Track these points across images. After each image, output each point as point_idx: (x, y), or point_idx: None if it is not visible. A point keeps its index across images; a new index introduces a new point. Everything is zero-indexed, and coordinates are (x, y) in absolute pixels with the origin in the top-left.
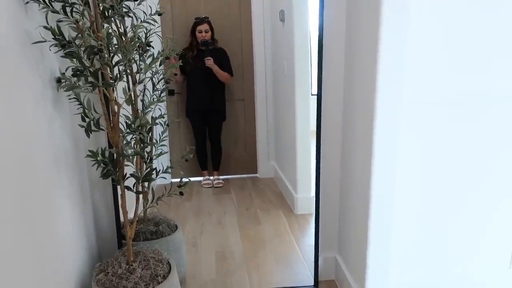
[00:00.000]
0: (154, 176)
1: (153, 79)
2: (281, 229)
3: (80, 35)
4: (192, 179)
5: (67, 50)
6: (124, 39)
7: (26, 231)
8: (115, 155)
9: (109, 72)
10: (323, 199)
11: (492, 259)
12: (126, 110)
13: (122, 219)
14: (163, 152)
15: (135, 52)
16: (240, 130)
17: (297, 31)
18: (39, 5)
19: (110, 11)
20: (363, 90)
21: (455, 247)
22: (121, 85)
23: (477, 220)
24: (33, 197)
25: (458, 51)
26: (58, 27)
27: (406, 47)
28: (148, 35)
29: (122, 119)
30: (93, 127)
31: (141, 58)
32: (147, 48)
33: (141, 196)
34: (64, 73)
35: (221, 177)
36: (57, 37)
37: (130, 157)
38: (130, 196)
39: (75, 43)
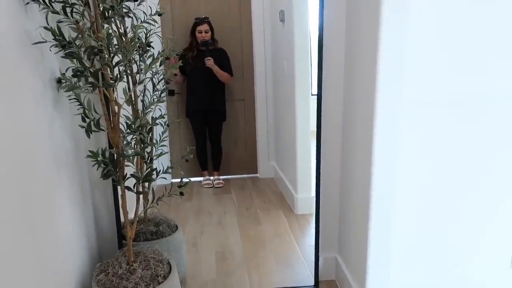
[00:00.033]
0: (154, 176)
1: (153, 79)
2: (281, 229)
3: (80, 35)
4: (193, 179)
5: (67, 51)
6: (124, 39)
7: (27, 231)
8: (115, 155)
9: (109, 72)
10: (323, 199)
11: (492, 259)
12: (126, 111)
13: (122, 219)
14: (163, 152)
15: (135, 52)
16: (240, 130)
17: (297, 31)
18: (39, 6)
19: (110, 11)
20: (363, 90)
21: (455, 247)
22: (121, 86)
23: (477, 220)
24: (34, 197)
25: (458, 51)
26: (58, 28)
27: (406, 47)
28: (148, 36)
29: (122, 120)
30: (93, 128)
31: (141, 59)
32: (147, 48)
33: (141, 196)
34: (64, 74)
35: (221, 177)
36: (57, 37)
37: (131, 157)
38: (130, 197)
39: (75, 44)
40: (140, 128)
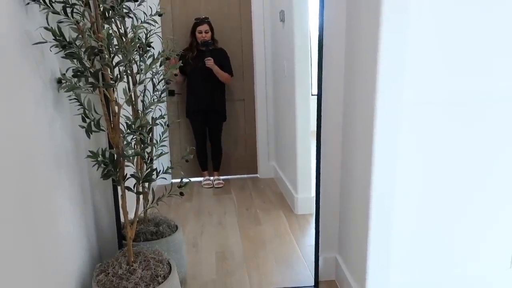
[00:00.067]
0: (154, 176)
1: (154, 79)
2: (281, 229)
3: (80, 36)
4: (193, 179)
5: (68, 51)
6: (124, 39)
7: (27, 232)
8: (115, 155)
9: (109, 72)
10: (323, 199)
11: (492, 259)
12: (126, 111)
13: (122, 219)
14: (163, 152)
15: (135, 52)
16: (240, 130)
17: (297, 31)
18: (39, 6)
19: (110, 12)
20: (363, 90)
21: (455, 247)
22: (121, 86)
23: (477, 220)
24: (34, 197)
25: (458, 51)
26: (59, 28)
27: (407, 47)
28: (148, 36)
29: (122, 120)
30: (93, 128)
31: (142, 59)
32: (148, 48)
33: (141, 196)
34: (64, 74)
35: (221, 177)
36: (57, 38)
37: (131, 157)
38: (130, 197)
39: (76, 44)
40: (140, 128)
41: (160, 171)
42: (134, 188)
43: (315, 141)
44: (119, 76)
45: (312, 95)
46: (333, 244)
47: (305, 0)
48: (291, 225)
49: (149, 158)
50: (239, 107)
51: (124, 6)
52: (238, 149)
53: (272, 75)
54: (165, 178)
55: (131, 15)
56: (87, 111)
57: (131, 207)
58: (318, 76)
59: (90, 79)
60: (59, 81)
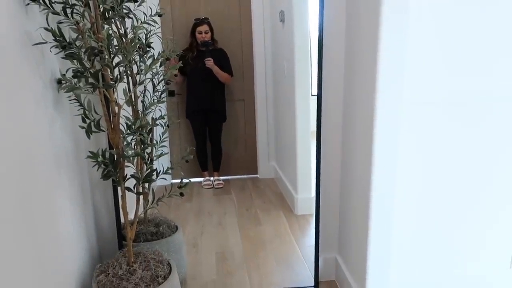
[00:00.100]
0: (154, 177)
1: (154, 80)
2: (281, 229)
3: (80, 36)
4: (193, 180)
5: (68, 52)
6: (124, 40)
7: (27, 232)
8: (115, 156)
9: (109, 73)
10: (323, 200)
11: (492, 259)
12: (126, 111)
13: (122, 220)
14: (163, 153)
15: (135, 53)
16: (240, 130)
17: (297, 32)
18: (39, 7)
19: (110, 12)
20: (363, 90)
21: (455, 247)
22: (121, 86)
23: (477, 220)
24: (34, 197)
25: (458, 51)
26: (59, 29)
27: (406, 47)
28: (148, 36)
29: (122, 120)
30: (93, 128)
31: (142, 59)
32: (148, 49)
33: (141, 197)
34: (64, 74)
35: (221, 177)
36: (57, 38)
37: (131, 158)
38: (130, 197)
39: (76, 45)
40: (140, 129)
41: (160, 171)
42: (134, 188)
43: (315, 141)
44: (119, 76)
45: (312, 95)
46: (333, 245)
47: (305, 0)
48: (291, 226)
49: (149, 159)
50: (239, 108)
51: (124, 6)
52: (238, 150)
53: (272, 75)
54: (165, 179)
55: (131, 15)
56: (87, 112)
57: (131, 207)
58: (318, 76)
59: (90, 80)
60: (59, 82)
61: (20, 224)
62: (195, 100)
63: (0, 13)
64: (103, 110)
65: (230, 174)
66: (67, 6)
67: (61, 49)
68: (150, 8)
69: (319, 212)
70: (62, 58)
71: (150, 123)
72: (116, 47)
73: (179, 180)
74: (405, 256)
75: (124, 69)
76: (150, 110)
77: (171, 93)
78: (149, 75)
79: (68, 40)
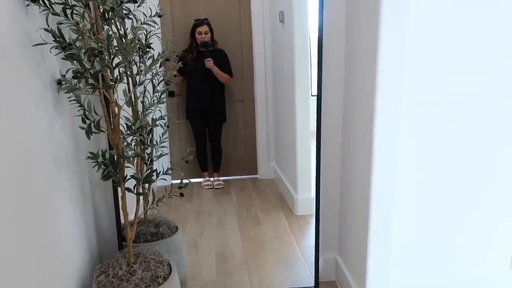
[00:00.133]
0: (154, 177)
1: (153, 80)
2: (281, 230)
3: (80, 37)
4: (193, 180)
5: (68, 52)
6: (124, 41)
7: (27, 232)
8: (115, 156)
9: (109, 74)
10: (323, 200)
11: (492, 259)
12: (126, 112)
13: (122, 220)
14: (163, 153)
15: (135, 54)
16: (240, 131)
17: (297, 32)
18: (39, 7)
19: (110, 13)
20: (363, 90)
21: (455, 247)
22: (121, 87)
23: (477, 220)
24: (34, 198)
25: (457, 51)
26: (59, 29)
27: (406, 47)
28: (148, 37)
29: (122, 121)
30: (93, 129)
31: (141, 60)
32: (147, 49)
33: (141, 197)
34: (64, 75)
35: (221, 178)
36: (57, 39)
37: (131, 158)
38: (130, 198)
39: (76, 45)
40: (140, 130)
41: (160, 172)
42: (134, 189)
43: (315, 142)
44: (119, 77)
45: (312, 95)
46: (333, 245)
47: (305, 1)
48: (291, 226)
49: (149, 159)
50: (239, 108)
51: (123, 7)
52: (238, 150)
53: (272, 76)
54: (165, 179)
55: (131, 16)
56: (87, 112)
57: (131, 208)
58: (317, 77)
59: (90, 80)
60: (59, 82)
61: (21, 225)
62: (195, 101)
63: (0, 14)
64: (103, 111)
65: (230, 174)
66: (67, 7)
67: (61, 50)
68: (150, 9)
69: (319, 213)
70: (62, 59)
71: (150, 124)
72: (116, 48)
73: (179, 181)
74: (405, 256)
75: (124, 69)
76: (150, 110)
77: (171, 94)
78: (149, 76)
79: (68, 41)
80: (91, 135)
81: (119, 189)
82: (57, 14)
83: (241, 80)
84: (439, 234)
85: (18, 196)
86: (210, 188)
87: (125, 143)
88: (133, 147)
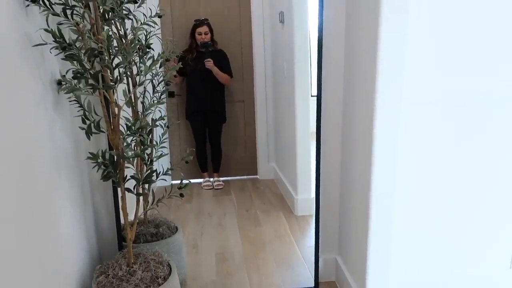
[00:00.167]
0: (154, 178)
1: (153, 81)
2: (281, 230)
3: (80, 37)
4: (192, 180)
5: (68, 53)
6: (124, 41)
7: (27, 233)
8: (115, 157)
9: (109, 74)
10: (323, 200)
11: (492, 259)
12: (126, 112)
13: (122, 221)
14: (163, 154)
15: (135, 54)
16: (240, 131)
17: (297, 32)
18: (39, 8)
19: (110, 13)
20: (363, 91)
21: (455, 247)
22: (121, 87)
23: (477, 220)
24: (34, 199)
25: (457, 51)
26: (59, 30)
27: (406, 47)
28: (148, 37)
29: (122, 121)
30: (93, 129)
31: (141, 60)
32: (147, 50)
33: (141, 198)
34: (64, 76)
35: (221, 178)
36: (57, 39)
37: (131, 159)
38: (130, 198)
39: (76, 46)
40: (140, 130)
41: (160, 172)
42: (134, 189)
43: (315, 142)
44: (119, 77)
45: (311, 96)
46: (333, 245)
47: (305, 1)
48: (291, 226)
49: (149, 160)
50: (239, 109)
51: (123, 7)
52: (238, 151)
53: (272, 76)
54: (165, 180)
55: (131, 16)
56: (87, 113)
57: (131, 208)
58: (317, 77)
59: (90, 81)
60: (59, 83)
61: (21, 225)
62: (195, 101)
63: (0, 15)
64: (103, 111)
65: (230, 175)
66: (67, 7)
67: (61, 50)
68: (150, 9)
69: (319, 213)
70: (62, 59)
71: (150, 124)
72: (116, 48)
73: (179, 181)
74: (405, 257)
75: (124, 70)
76: (150, 111)
77: (171, 94)
78: (149, 76)
79: (68, 41)
80: (91, 135)
81: (119, 189)
82: (57, 15)
83: (241, 80)
84: (439, 234)
85: (18, 196)
86: (210, 189)
87: (125, 144)
88: (133, 148)
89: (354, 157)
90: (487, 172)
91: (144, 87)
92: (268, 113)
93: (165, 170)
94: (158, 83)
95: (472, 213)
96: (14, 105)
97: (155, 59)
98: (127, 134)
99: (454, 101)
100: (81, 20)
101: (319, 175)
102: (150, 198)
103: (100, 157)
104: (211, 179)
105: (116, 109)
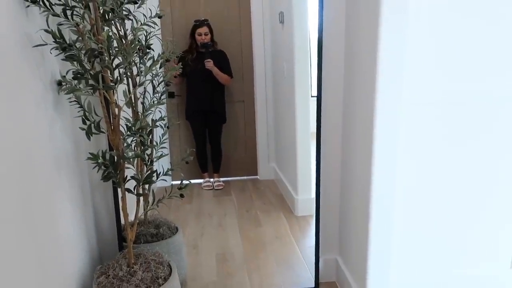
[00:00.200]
0: (154, 178)
1: (153, 81)
2: (281, 230)
3: (80, 38)
4: (193, 181)
5: (68, 53)
6: (124, 42)
7: (27, 233)
8: (115, 157)
9: (109, 74)
10: (323, 201)
11: (492, 259)
12: (126, 113)
13: (122, 221)
14: (163, 154)
15: (135, 54)
16: (240, 132)
17: (297, 33)
18: (40, 9)
19: (110, 14)
20: (363, 91)
21: (455, 248)
22: (121, 88)
23: (477, 220)
24: (34, 199)
25: (457, 51)
26: (59, 30)
27: (406, 48)
28: (148, 38)
29: (122, 122)
30: (93, 130)
31: (141, 61)
32: (147, 50)
33: (141, 198)
34: (64, 76)
35: (221, 179)
36: (57, 40)
37: (131, 159)
38: (130, 199)
39: (76, 46)
40: (140, 130)
41: (160, 173)
42: (134, 190)
43: (315, 142)
44: (119, 78)
45: (311, 96)
46: (333, 246)
47: (305, 1)
48: (291, 227)
49: (149, 160)
50: (239, 109)
51: (124, 8)
52: (238, 151)
53: (272, 77)
54: (165, 180)
55: (131, 17)
56: (87, 113)
57: (131, 209)
58: (317, 77)
59: (90, 81)
60: (59, 83)
61: (21, 226)
62: (195, 102)
63: (0, 15)
64: (103, 112)
65: (230, 175)
66: (67, 8)
67: (61, 51)
68: (150, 10)
69: (319, 213)
70: (62, 59)
71: (150, 125)
72: (116, 49)
73: (179, 182)
74: (406, 257)
75: (124, 70)
76: (150, 111)
77: (171, 95)
78: (149, 77)
79: (68, 42)
80: (91, 136)
81: (119, 190)
82: (57, 15)
83: (241, 81)
84: (439, 234)
85: (18, 196)
86: (210, 189)
87: (125, 144)
88: (133, 148)
89: (354, 157)
90: (487, 172)
91: (144, 87)
92: (268, 113)
93: (165, 171)
94: (158, 84)
95: (472, 213)
96: (14, 106)
97: (155, 59)
98: (127, 135)
99: (454, 101)
100: (81, 20)
101: (319, 175)
102: (150, 199)
103: (101, 158)
104: (211, 180)
105: (116, 110)
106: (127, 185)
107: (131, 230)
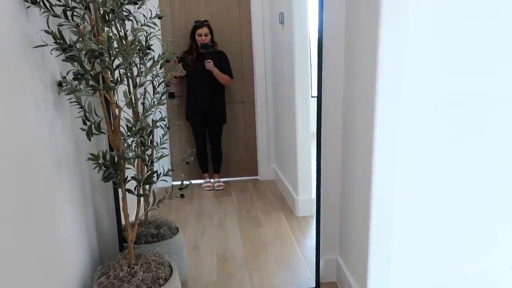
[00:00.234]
0: (155, 179)
1: (154, 82)
2: (282, 231)
3: (81, 39)
4: (193, 181)
5: (68, 54)
6: (124, 42)
7: (28, 234)
8: (116, 158)
9: (109, 75)
10: (324, 201)
11: (492, 259)
12: (126, 113)
13: (123, 222)
14: (164, 155)
15: (135, 55)
16: (240, 132)
17: (297, 33)
18: (40, 9)
19: (110, 14)
20: (363, 92)
21: (456, 248)
22: (121, 88)
23: (478, 220)
24: (35, 200)
25: (457, 51)
26: (59, 31)
27: (406, 48)
28: (148, 39)
29: (123, 122)
30: (94, 130)
31: (142, 61)
32: (148, 51)
33: (142, 199)
34: (65, 77)
35: (221, 179)
36: (58, 41)
37: (131, 160)
38: (131, 199)
39: (76, 47)
40: (140, 131)
41: (160, 173)
42: (135, 190)
43: (315, 143)
44: (119, 78)
45: (312, 96)
46: (334, 246)
47: (305, 2)
48: (292, 227)
49: (150, 161)
50: (239, 109)
51: (124, 9)
52: (238, 151)
53: (272, 77)
54: (166, 181)
55: (131, 18)
56: (87, 114)
57: (132, 209)
58: (317, 78)
59: (91, 82)
60: (59, 84)
61: (21, 226)
62: (195, 102)
63: (1, 16)
64: (103, 112)
65: (231, 176)
66: (67, 9)
67: (61, 52)
68: (150, 11)
69: (320, 214)
70: (63, 60)
71: (151, 125)
72: (116, 50)
73: (179, 182)
74: (406, 257)
75: (124, 71)
76: (150, 112)
77: (171, 95)
78: (149, 77)
79: (68, 43)
80: (92, 136)
81: (119, 190)
82: (58, 16)
83: (241, 81)
84: (440, 234)
85: (19, 197)
86: (210, 190)
87: (125, 145)
88: (133, 149)
89: (355, 157)
90: (487, 172)
91: (145, 88)
92: (268, 114)
93: (165, 171)
94: (159, 84)
95: (472, 213)
96: (14, 106)
97: (155, 60)
98: (128, 135)
99: (454, 102)
100: (82, 21)
101: (320, 175)
102: (151, 199)
103: (101, 158)
104: (212, 180)
105: (116, 110)
106: (127, 186)
107: (132, 230)
